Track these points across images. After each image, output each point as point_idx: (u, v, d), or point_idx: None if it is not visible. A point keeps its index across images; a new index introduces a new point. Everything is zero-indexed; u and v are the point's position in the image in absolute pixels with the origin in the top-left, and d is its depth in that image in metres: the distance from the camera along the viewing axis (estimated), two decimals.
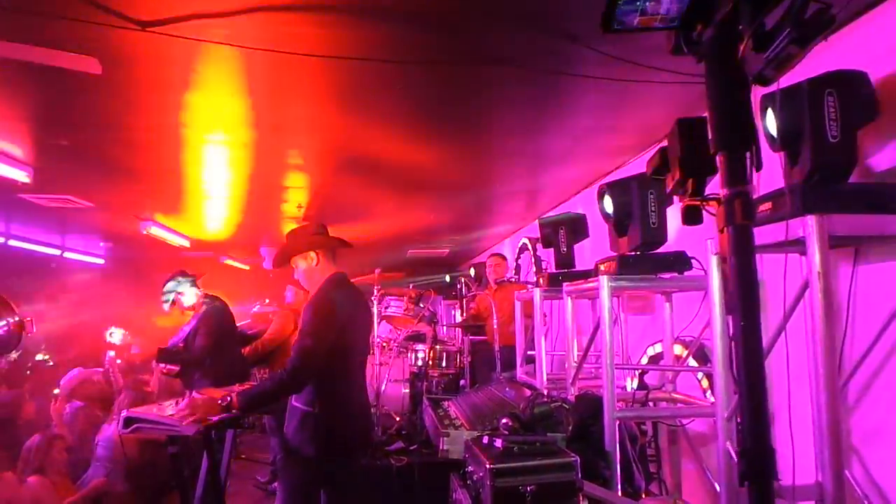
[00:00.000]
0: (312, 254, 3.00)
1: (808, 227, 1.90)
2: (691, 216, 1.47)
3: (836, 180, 2.09)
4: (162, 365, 4.54)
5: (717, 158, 1.29)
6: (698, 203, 1.46)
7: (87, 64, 2.49)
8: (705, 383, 3.35)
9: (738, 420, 2.33)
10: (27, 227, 7.23)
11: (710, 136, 1.31)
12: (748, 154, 1.27)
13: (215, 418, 2.85)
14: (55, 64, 2.52)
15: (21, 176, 4.35)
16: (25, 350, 6.83)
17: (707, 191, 1.54)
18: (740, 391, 1.19)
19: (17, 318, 2.10)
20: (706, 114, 1.36)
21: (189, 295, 4.72)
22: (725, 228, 1.22)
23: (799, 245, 2.00)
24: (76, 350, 7.23)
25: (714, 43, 1.27)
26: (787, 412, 2.27)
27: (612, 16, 1.28)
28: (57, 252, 8.36)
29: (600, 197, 3.14)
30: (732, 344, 1.21)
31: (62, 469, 4.30)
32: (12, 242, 7.30)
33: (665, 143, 1.74)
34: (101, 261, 9.46)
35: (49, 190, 5.12)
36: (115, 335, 4.71)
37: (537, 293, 4.17)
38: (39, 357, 7.19)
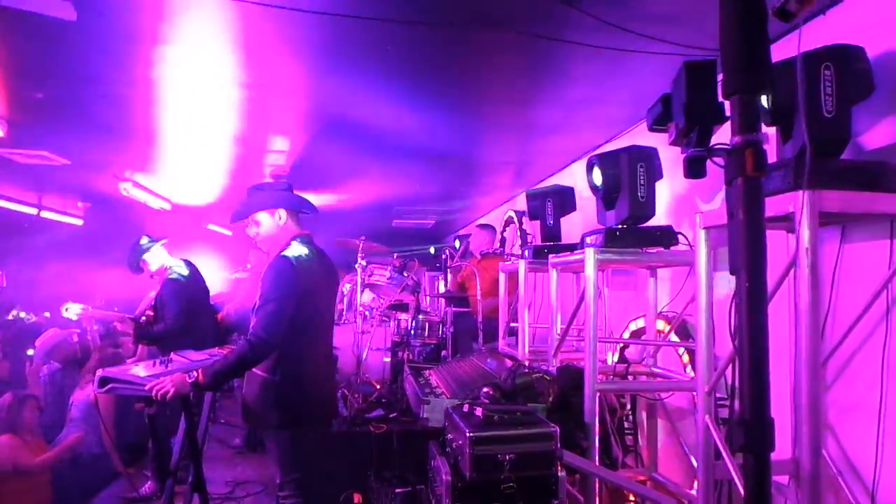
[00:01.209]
0: (281, 211, 2.90)
1: (799, 202, 1.88)
2: (694, 168, 1.38)
3: (829, 156, 2.07)
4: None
5: (729, 102, 1.19)
6: (703, 154, 1.37)
7: (61, 9, 2.38)
8: (686, 358, 3.37)
9: (720, 395, 2.35)
10: (2, 184, 7.04)
11: (721, 78, 1.21)
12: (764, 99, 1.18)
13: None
14: (27, 8, 2.40)
15: None
16: None
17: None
18: (741, 358, 1.14)
19: None
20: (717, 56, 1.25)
21: (154, 259, 4.63)
22: (734, 181, 1.14)
23: (786, 221, 1.98)
24: (51, 310, 7.12)
25: None
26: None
27: None
28: (33, 211, 8.17)
29: (589, 169, 3.10)
30: (734, 305, 1.16)
31: (34, 428, 4.26)
32: None
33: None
34: (79, 221, 9.27)
35: (24, 145, 4.96)
36: (72, 310, 4.56)
37: (522, 265, 4.14)
38: (13, 315, 7.07)
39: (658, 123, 1.71)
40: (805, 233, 1.88)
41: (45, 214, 8.35)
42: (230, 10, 2.55)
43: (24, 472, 3.93)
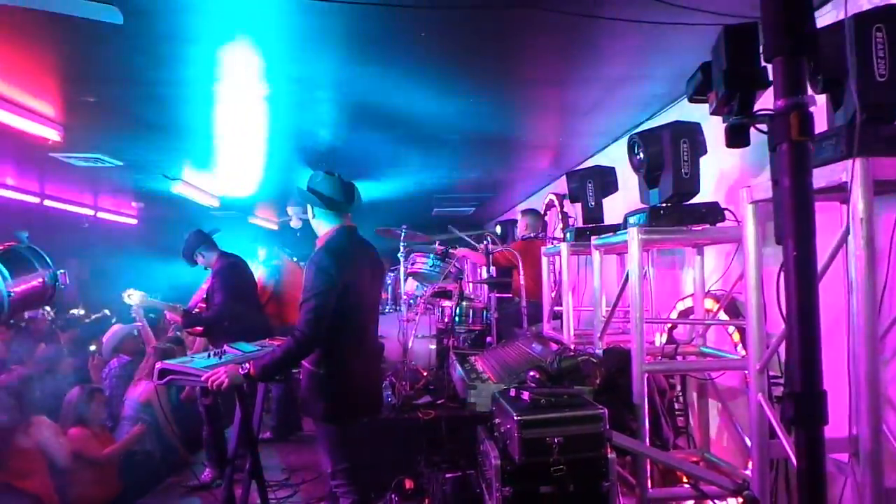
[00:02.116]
0: (309, 207, 2.96)
1: (853, 170, 1.81)
2: (737, 136, 1.34)
3: (884, 121, 1.98)
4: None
5: (772, 65, 1.15)
6: (745, 121, 1.32)
7: (108, 13, 2.47)
8: (736, 337, 3.29)
9: (772, 374, 2.29)
10: (61, 188, 7.36)
11: (763, 41, 1.17)
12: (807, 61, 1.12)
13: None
14: (78, 14, 2.49)
15: (52, 134, 4.40)
16: (59, 307, 7.02)
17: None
18: (789, 328, 1.10)
19: (50, 271, 2.13)
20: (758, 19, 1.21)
21: (207, 252, 4.83)
22: (778, 147, 1.10)
23: (840, 192, 1.91)
24: (110, 307, 7.42)
25: None
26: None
27: None
28: (90, 212, 8.51)
29: (631, 148, 3.05)
30: (782, 274, 1.12)
31: (102, 421, 4.46)
32: (47, 203, 7.45)
33: None
34: (133, 221, 9.61)
35: (80, 149, 5.17)
36: (134, 297, 4.80)
37: (564, 248, 4.11)
38: (74, 312, 7.39)
39: (698, 93, 1.66)
40: (859, 203, 1.81)
41: (101, 215, 8.70)
42: (268, 5, 2.60)
43: (93, 463, 4.13)
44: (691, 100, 1.78)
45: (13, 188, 6.79)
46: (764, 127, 1.20)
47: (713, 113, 1.52)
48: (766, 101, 1.23)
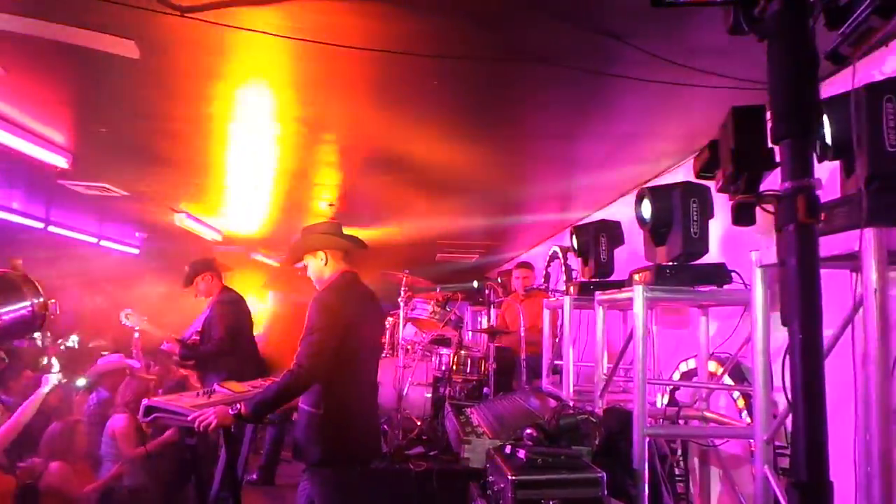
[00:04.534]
0: (321, 253, 2.96)
1: (865, 240, 1.78)
2: (743, 215, 1.35)
3: (894, 191, 1.96)
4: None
5: (780, 148, 1.16)
6: (752, 200, 1.34)
7: (125, 48, 2.50)
8: (741, 403, 3.20)
9: (779, 443, 2.21)
10: (67, 214, 7.38)
11: (770, 124, 1.18)
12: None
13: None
14: (95, 46, 2.52)
15: (61, 161, 4.43)
16: (54, 334, 6.91)
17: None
18: (795, 413, 1.06)
19: (41, 300, 2.09)
20: (765, 101, 1.24)
21: (209, 282, 4.78)
22: (785, 227, 1.10)
23: (851, 260, 1.87)
24: (109, 336, 7.34)
25: (779, 18, 1.14)
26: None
27: None
28: (94, 240, 8.52)
29: (639, 201, 3.02)
30: (787, 358, 1.08)
31: (84, 455, 4.32)
32: (52, 228, 7.46)
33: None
34: (135, 251, 9.61)
35: (87, 177, 5.20)
36: (131, 318, 4.74)
37: (567, 302, 4.05)
38: (72, 342, 7.29)
39: (706, 170, 1.68)
40: (872, 273, 1.77)
41: (104, 244, 8.71)
42: (283, 47, 2.63)
43: (71, 501, 3.98)
44: (698, 176, 1.79)
45: (20, 213, 6.80)
46: (770, 207, 1.20)
47: (720, 190, 1.54)
48: (773, 178, 1.23)
